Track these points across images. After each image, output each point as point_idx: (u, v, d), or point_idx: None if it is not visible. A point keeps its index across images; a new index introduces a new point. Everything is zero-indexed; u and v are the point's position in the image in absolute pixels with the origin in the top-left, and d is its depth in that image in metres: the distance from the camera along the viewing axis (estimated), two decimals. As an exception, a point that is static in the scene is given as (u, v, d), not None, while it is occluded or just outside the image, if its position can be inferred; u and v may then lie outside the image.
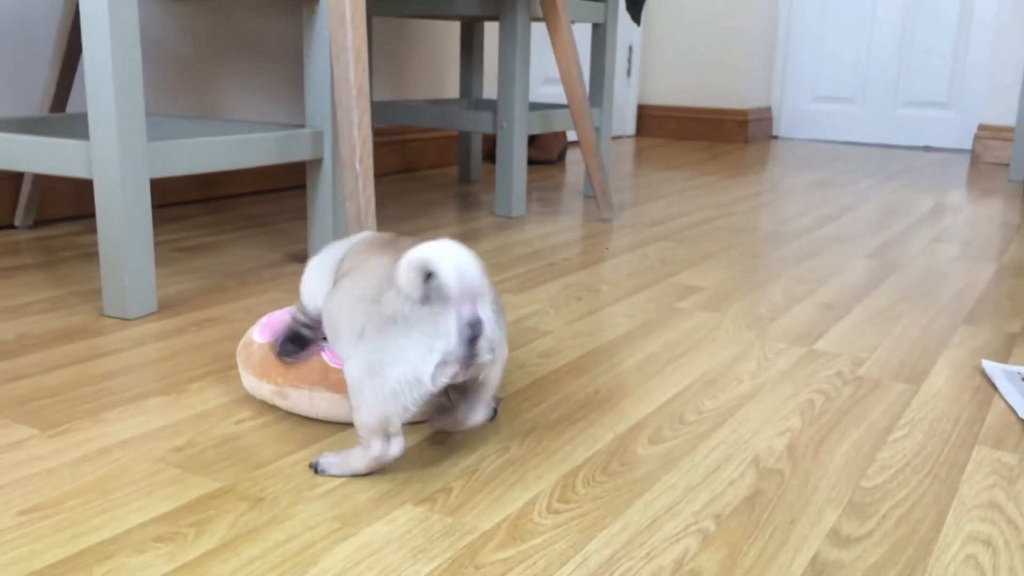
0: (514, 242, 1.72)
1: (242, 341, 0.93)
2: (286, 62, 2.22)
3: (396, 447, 0.74)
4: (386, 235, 0.89)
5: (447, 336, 0.71)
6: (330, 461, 0.76)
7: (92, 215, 1.81)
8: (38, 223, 1.72)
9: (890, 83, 3.75)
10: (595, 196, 1.98)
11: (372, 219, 1.34)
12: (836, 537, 0.69)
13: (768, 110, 3.95)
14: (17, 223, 1.68)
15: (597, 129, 2.22)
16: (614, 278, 1.47)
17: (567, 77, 1.89)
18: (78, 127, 1.56)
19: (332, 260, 0.88)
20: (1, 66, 1.65)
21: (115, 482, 0.73)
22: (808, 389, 0.99)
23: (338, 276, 0.85)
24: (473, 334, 0.72)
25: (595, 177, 1.95)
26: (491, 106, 2.42)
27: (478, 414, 0.79)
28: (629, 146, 3.52)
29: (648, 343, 1.14)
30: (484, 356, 0.74)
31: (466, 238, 1.74)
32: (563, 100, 3.42)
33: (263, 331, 0.91)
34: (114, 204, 1.13)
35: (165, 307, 1.22)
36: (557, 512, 0.71)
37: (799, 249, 1.73)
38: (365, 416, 0.73)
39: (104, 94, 1.10)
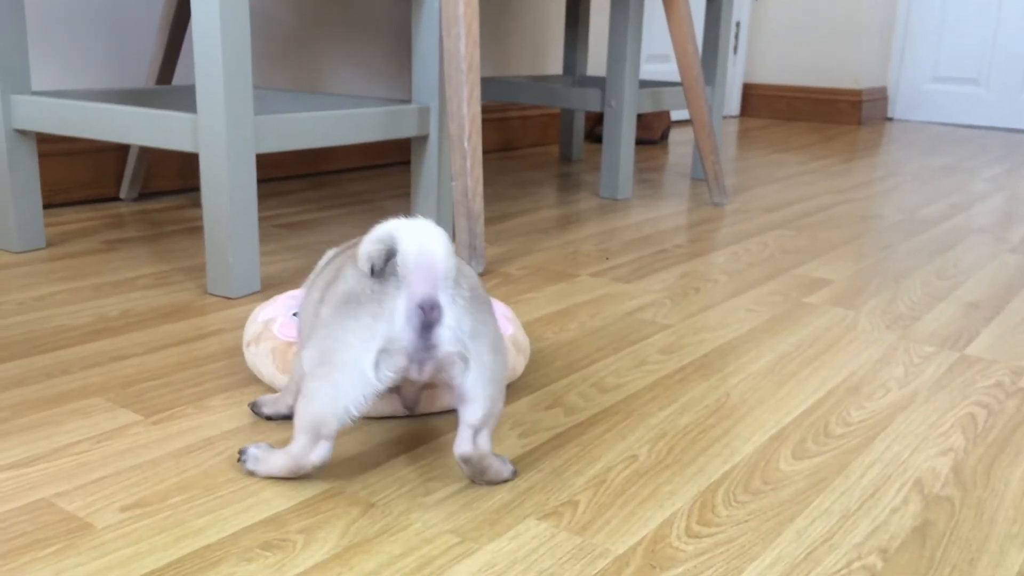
0: (621, 226, 1.64)
1: (259, 335, 0.85)
2: (388, 35, 2.18)
3: (319, 453, 0.65)
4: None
5: (390, 318, 0.61)
6: (253, 454, 0.69)
7: (196, 189, 1.80)
8: (143, 196, 1.72)
9: (1018, 63, 3.50)
10: (705, 179, 1.87)
11: (479, 199, 1.28)
12: (1026, 583, 0.60)
13: (883, 90, 3.74)
14: (123, 195, 1.68)
15: (710, 109, 2.11)
16: (732, 268, 1.37)
17: (682, 53, 1.79)
18: (185, 100, 1.54)
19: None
20: (107, 37, 1.65)
21: (220, 477, 0.69)
22: (967, 401, 0.89)
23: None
24: (427, 320, 0.61)
25: (708, 159, 1.85)
26: (597, 83, 2.33)
27: (462, 442, 0.66)
28: (734, 127, 3.38)
29: (778, 342, 1.04)
30: (443, 347, 0.62)
31: (570, 220, 1.66)
32: (665, 78, 3.30)
33: (283, 328, 0.86)
34: (220, 179, 1.09)
35: (267, 286, 1.19)
36: (698, 536, 0.63)
37: (933, 240, 1.60)
38: (303, 408, 0.64)
39: (212, 66, 1.06)
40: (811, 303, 1.20)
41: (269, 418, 0.79)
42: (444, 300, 0.62)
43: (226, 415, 0.80)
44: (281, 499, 0.66)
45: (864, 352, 1.02)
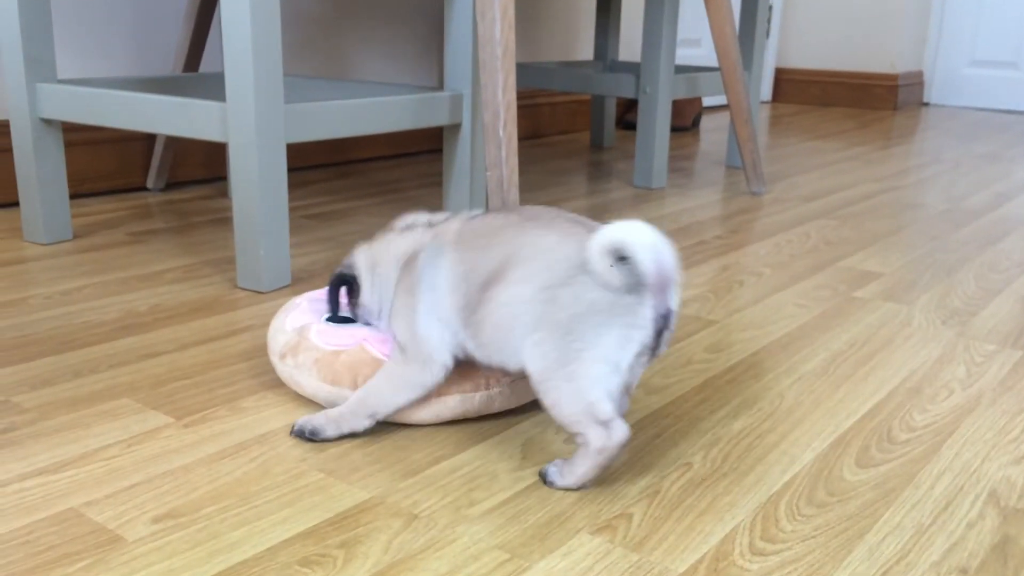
0: (657, 216, 1.59)
1: (288, 343, 0.80)
2: (416, 21, 2.13)
3: (620, 432, 0.65)
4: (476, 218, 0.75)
5: (645, 327, 0.65)
6: (555, 472, 0.67)
7: (223, 178, 1.77)
8: (170, 185, 1.69)
9: (1061, 45, 3.40)
10: (743, 167, 1.82)
11: (515, 190, 1.24)
12: (1121, 608, 0.55)
13: (919, 74, 3.65)
14: (149, 185, 1.65)
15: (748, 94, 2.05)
16: (776, 260, 1.33)
17: (720, 36, 1.74)
18: (213, 88, 1.51)
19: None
20: (133, 24, 1.62)
21: (255, 486, 0.66)
22: (1036, 404, 0.84)
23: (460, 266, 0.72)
24: (664, 326, 0.65)
25: (745, 147, 1.80)
26: (629, 68, 2.27)
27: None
28: (766, 113, 3.31)
29: (830, 339, 1.00)
30: (664, 348, 0.67)
31: (604, 210, 1.62)
32: (695, 63, 3.23)
33: (324, 336, 0.79)
34: (249, 169, 1.06)
35: (298, 280, 1.15)
36: (763, 554, 0.59)
37: (981, 231, 1.54)
38: (567, 408, 0.65)
39: (242, 54, 1.03)
40: (861, 297, 1.15)
41: (329, 440, 0.73)
42: (673, 307, 0.66)
43: (259, 418, 0.77)
44: (319, 510, 0.63)
45: (922, 350, 0.97)
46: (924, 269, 1.29)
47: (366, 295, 0.78)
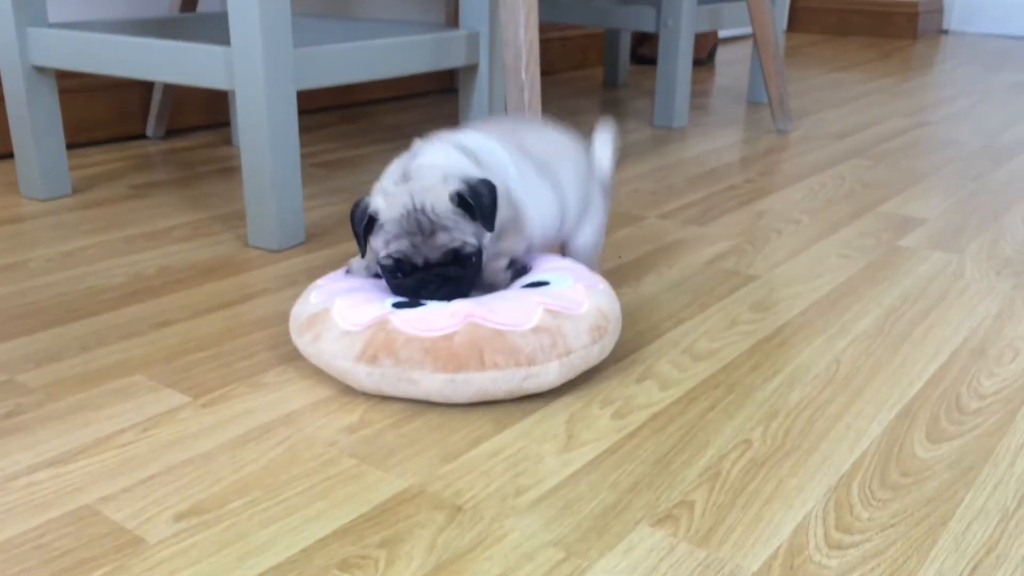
0: (683, 159, 1.52)
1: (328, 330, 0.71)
2: (422, -47, 2.03)
3: None
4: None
5: None
6: None
7: (226, 124, 1.69)
8: (170, 133, 1.62)
9: (1089, -32, 3.27)
10: (769, 103, 1.74)
11: (539, 136, 1.17)
12: None
13: (939, 1, 3.52)
14: (149, 133, 1.58)
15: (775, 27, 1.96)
16: (812, 206, 1.26)
17: (746, -35, 1.64)
18: (214, 29, 1.42)
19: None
20: (128, -39, 1.52)
21: (283, 474, 0.61)
22: (1110, 366, 0.79)
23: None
24: None
25: (772, 82, 1.71)
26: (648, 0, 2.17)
27: None
28: (782, 44, 3.19)
29: (881, 294, 0.94)
30: None
31: (626, 154, 1.55)
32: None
33: (411, 321, 0.70)
34: (258, 120, 0.99)
35: (312, 236, 1.09)
36: (841, 547, 0.54)
37: (1023, 169, 1.47)
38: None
39: (246, -8, 0.95)
40: (907, 247, 1.09)
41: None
42: None
43: (281, 395, 0.72)
44: (354, 503, 0.58)
45: (979, 305, 0.92)
46: (969, 213, 1.23)
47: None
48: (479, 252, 0.73)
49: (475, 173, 0.74)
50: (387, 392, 0.69)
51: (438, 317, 0.69)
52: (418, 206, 0.71)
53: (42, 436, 0.65)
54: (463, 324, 0.68)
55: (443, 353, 0.67)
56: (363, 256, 0.75)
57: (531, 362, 0.68)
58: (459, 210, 0.71)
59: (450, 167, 0.74)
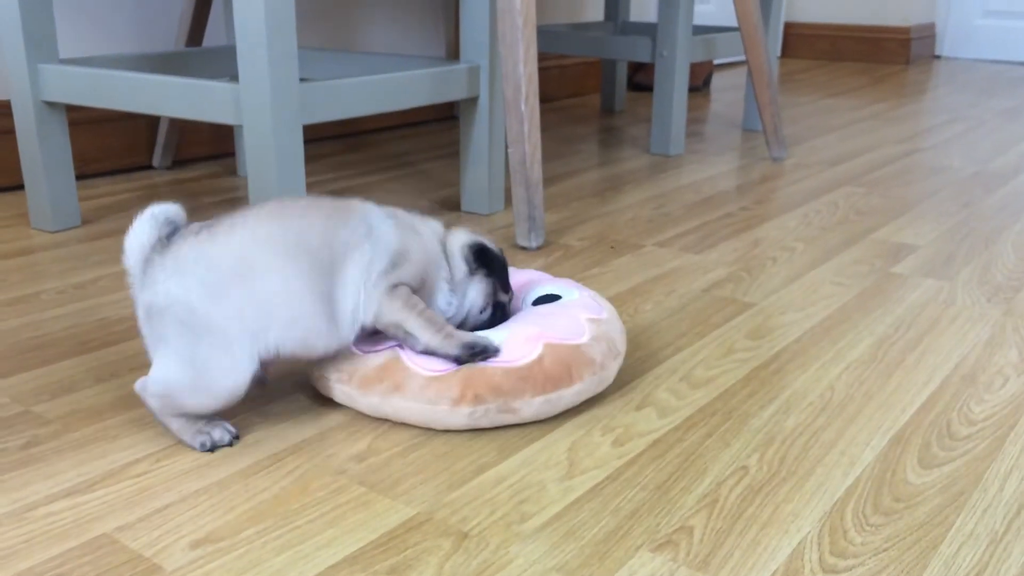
0: (679, 187, 1.55)
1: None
2: (422, -15, 2.07)
3: None
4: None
5: None
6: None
7: (231, 154, 1.72)
8: (176, 163, 1.64)
9: (1078, -6, 3.32)
10: (763, 131, 1.77)
11: (538, 167, 1.20)
12: None
13: (932, 27, 3.57)
14: (155, 164, 1.61)
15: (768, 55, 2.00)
16: (806, 233, 1.29)
17: (740, -3, 1.68)
18: (219, 64, 1.45)
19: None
20: (135, -3, 1.56)
21: (294, 503, 0.63)
22: (1097, 391, 0.81)
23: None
24: None
25: (766, 111, 1.74)
26: (643, 30, 2.21)
27: None
28: (775, 70, 3.24)
29: (874, 322, 0.96)
30: None
31: (623, 181, 1.57)
32: (707, 22, 3.16)
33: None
34: (266, 154, 1.02)
35: (317, 266, 1.12)
36: (836, 572, 0.56)
37: (1014, 195, 1.50)
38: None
39: (255, 31, 0.98)
40: (899, 273, 1.12)
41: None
42: None
43: (290, 424, 0.74)
44: (363, 529, 0.60)
45: (970, 332, 0.94)
46: (960, 240, 1.25)
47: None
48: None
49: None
50: (482, 426, 0.72)
51: (517, 346, 0.72)
52: None
53: (59, 467, 0.67)
54: (543, 347, 0.73)
55: (539, 377, 0.72)
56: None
57: (603, 368, 0.76)
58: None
59: None
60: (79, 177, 1.52)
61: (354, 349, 0.74)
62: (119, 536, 0.59)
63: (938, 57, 3.63)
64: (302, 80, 1.04)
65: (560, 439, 0.72)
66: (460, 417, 0.70)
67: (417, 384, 0.71)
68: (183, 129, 1.64)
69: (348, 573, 0.56)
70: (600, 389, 0.77)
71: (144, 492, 0.64)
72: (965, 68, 3.28)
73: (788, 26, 3.61)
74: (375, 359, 0.73)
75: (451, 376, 0.71)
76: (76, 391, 0.79)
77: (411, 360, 0.72)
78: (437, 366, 0.71)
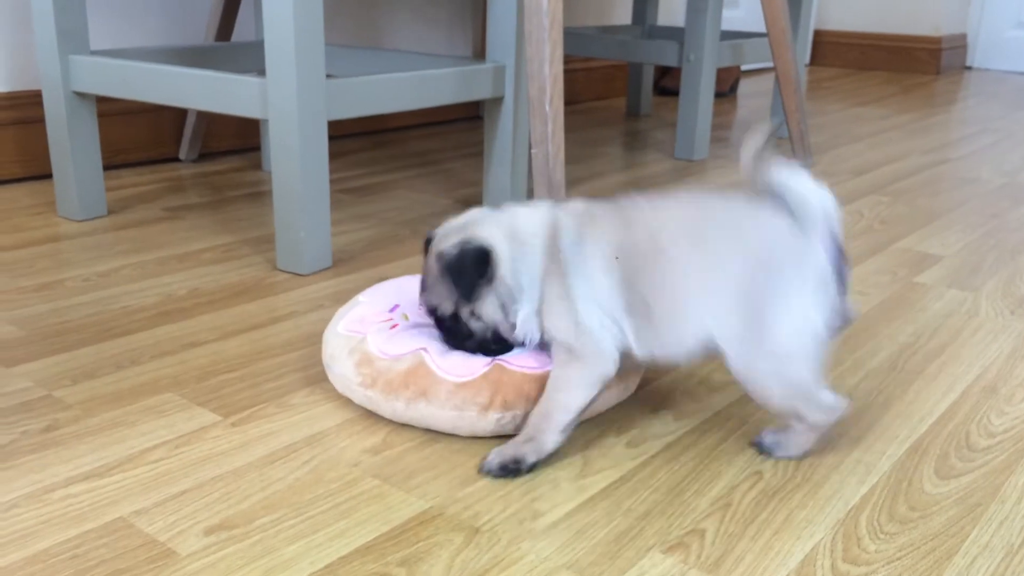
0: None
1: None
2: (451, -15, 2.07)
3: (838, 410, 0.68)
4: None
5: (824, 266, 0.69)
6: (771, 442, 0.70)
7: (256, 148, 1.74)
8: (202, 156, 1.66)
9: (1114, 7, 3.27)
10: (789, 138, 1.76)
11: (561, 169, 1.20)
12: None
13: (963, 37, 3.54)
14: (182, 156, 1.62)
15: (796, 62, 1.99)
16: (829, 240, 1.27)
17: (769, 3, 1.67)
18: (247, 58, 1.47)
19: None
20: (167, -9, 1.57)
21: (308, 493, 0.63)
22: (1121, 407, 0.80)
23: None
24: (841, 262, 0.71)
25: (793, 117, 1.73)
26: (670, 34, 2.21)
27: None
28: (804, 77, 3.22)
29: (896, 331, 0.96)
30: (850, 306, 0.74)
31: (645, 184, 1.57)
32: (735, 27, 3.14)
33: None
34: (290, 149, 1.02)
35: (339, 261, 1.12)
36: (848, 578, 0.56)
37: (1042, 209, 1.48)
38: (778, 395, 0.67)
39: (283, 27, 0.99)
40: (923, 283, 1.11)
41: (532, 468, 0.67)
42: None
43: (308, 416, 0.74)
44: (375, 521, 0.60)
45: (993, 344, 0.93)
46: (986, 251, 1.24)
47: (507, 273, 0.69)
48: (453, 315, 0.72)
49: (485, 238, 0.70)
50: (508, 432, 0.70)
51: (532, 357, 0.72)
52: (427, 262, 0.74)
53: (79, 450, 0.68)
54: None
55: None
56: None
57: (627, 376, 0.76)
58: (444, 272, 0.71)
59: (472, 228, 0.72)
60: (106, 167, 1.54)
61: (378, 353, 0.73)
62: (135, 520, 0.60)
63: (969, 68, 3.59)
64: (328, 76, 1.05)
65: (575, 438, 0.72)
66: (488, 423, 0.70)
67: (445, 390, 0.70)
68: (210, 122, 1.66)
69: (360, 564, 0.56)
70: (624, 397, 0.77)
71: (161, 478, 0.64)
72: (996, 80, 3.24)
73: (818, 34, 3.58)
74: (400, 364, 0.72)
75: (479, 382, 0.70)
76: (97, 377, 0.80)
77: (437, 365, 0.71)
78: (463, 371, 0.71)
